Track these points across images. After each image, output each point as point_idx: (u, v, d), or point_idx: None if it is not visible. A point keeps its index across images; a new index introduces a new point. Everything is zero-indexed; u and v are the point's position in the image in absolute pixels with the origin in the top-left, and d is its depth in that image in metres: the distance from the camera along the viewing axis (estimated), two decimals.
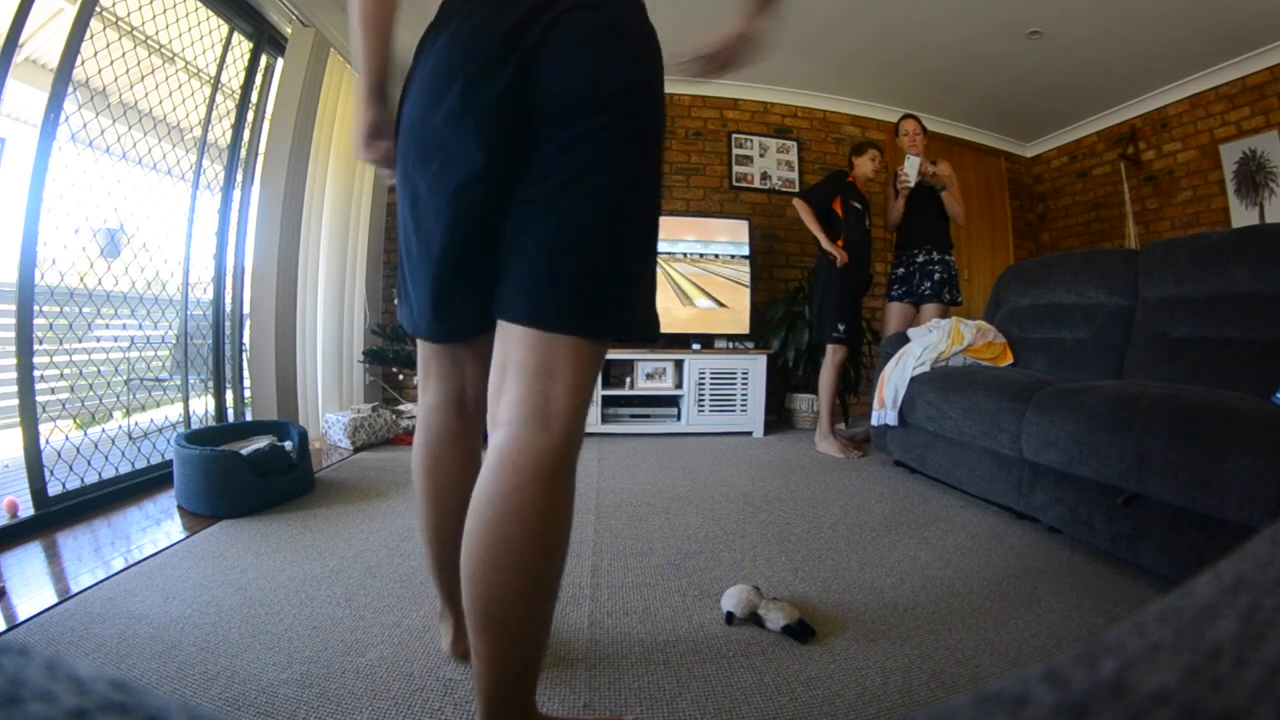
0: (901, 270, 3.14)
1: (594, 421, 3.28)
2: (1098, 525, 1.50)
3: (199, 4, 2.43)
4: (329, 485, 2.19)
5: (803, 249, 4.21)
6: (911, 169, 2.94)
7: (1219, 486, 1.20)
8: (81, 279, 2.01)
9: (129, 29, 2.14)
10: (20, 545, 1.58)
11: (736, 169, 4.11)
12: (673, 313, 3.54)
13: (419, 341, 0.91)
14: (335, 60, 3.00)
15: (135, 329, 2.31)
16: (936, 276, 3.02)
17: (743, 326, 3.57)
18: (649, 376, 3.44)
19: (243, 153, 2.76)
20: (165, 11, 2.27)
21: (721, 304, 3.58)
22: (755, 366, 3.39)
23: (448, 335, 0.85)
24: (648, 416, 3.40)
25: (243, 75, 2.72)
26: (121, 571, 1.41)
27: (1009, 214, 4.77)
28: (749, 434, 3.38)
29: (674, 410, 3.44)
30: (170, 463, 2.04)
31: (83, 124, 1.96)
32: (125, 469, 2.12)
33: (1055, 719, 0.13)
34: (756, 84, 4.08)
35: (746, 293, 3.59)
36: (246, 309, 2.77)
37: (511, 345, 0.73)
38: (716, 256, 3.60)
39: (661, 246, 3.48)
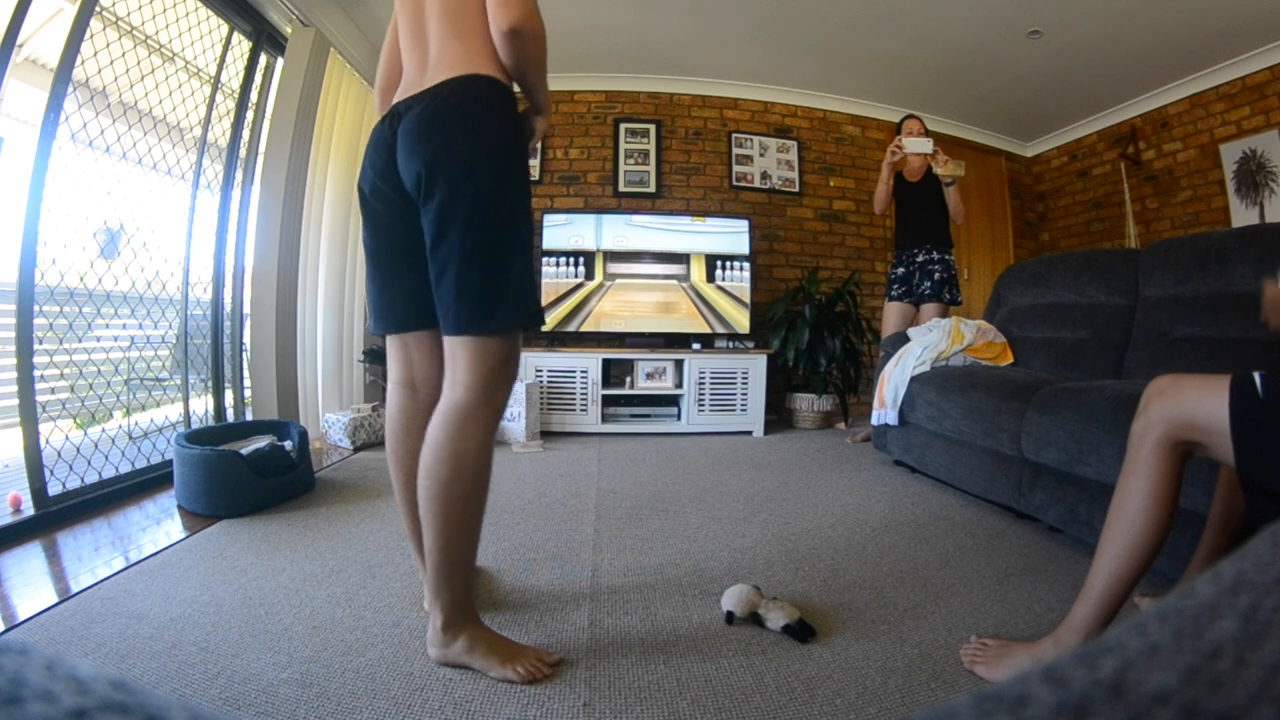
0: (901, 270, 3.14)
1: (594, 421, 3.29)
2: (1098, 525, 1.50)
3: (199, 4, 2.43)
4: (329, 485, 2.19)
5: (803, 249, 4.22)
6: (915, 146, 2.85)
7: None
8: (81, 279, 2.01)
9: (129, 29, 2.14)
10: (20, 545, 1.59)
11: (736, 168, 4.11)
12: (673, 312, 3.54)
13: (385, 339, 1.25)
14: (335, 60, 3.00)
15: (135, 329, 2.31)
16: (936, 276, 3.02)
17: (743, 326, 3.57)
18: (649, 376, 3.45)
19: (242, 152, 2.76)
20: (165, 11, 2.27)
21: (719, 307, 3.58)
22: (755, 366, 3.40)
23: (384, 329, 1.22)
24: (648, 416, 3.40)
25: (242, 75, 2.71)
26: (121, 571, 1.41)
27: (1009, 213, 4.78)
28: (749, 434, 3.38)
29: (674, 410, 3.44)
30: (170, 462, 2.04)
31: (83, 124, 1.96)
32: (125, 469, 2.12)
33: (1055, 719, 0.13)
34: (756, 84, 4.08)
35: (746, 293, 3.59)
36: (246, 309, 2.77)
37: (445, 347, 1.10)
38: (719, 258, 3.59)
39: (661, 245, 3.51)
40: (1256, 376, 0.82)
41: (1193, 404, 0.87)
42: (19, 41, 1.71)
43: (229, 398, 2.73)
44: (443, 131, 1.00)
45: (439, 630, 1.04)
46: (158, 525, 1.79)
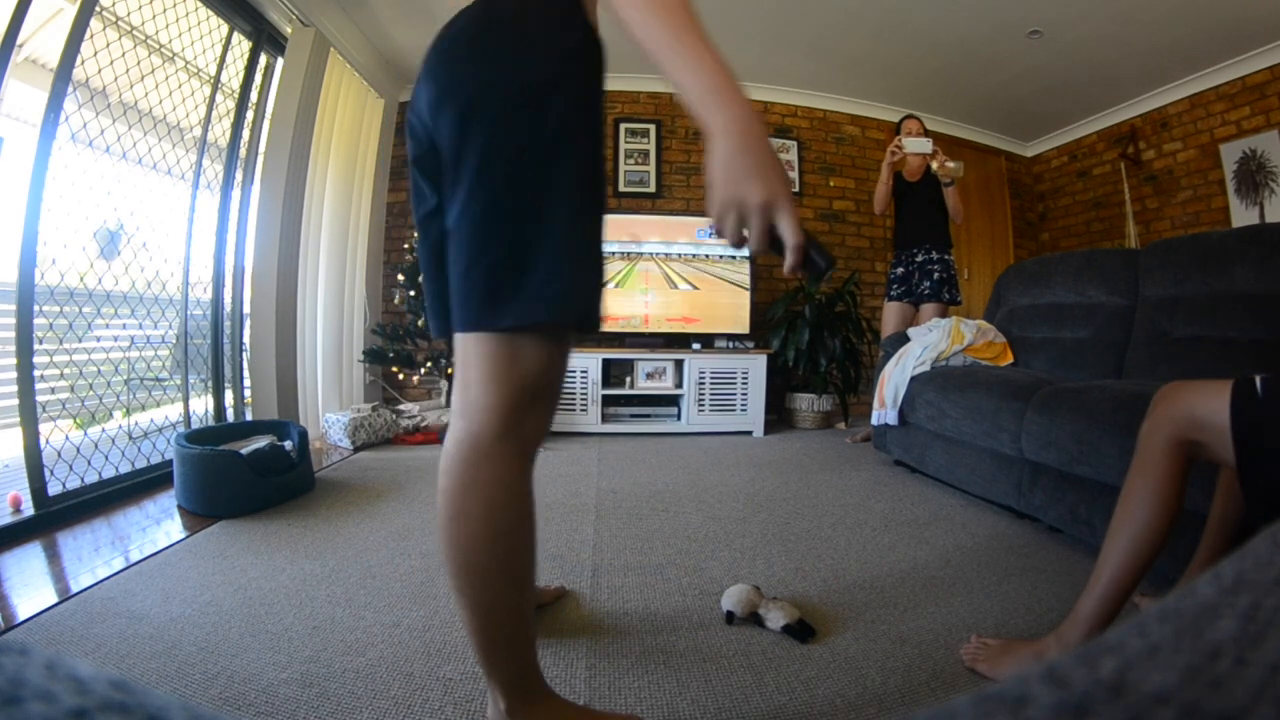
0: (901, 270, 3.14)
1: (594, 421, 3.28)
2: (1098, 525, 1.50)
3: (199, 4, 2.43)
4: (329, 485, 2.19)
5: None
6: (915, 146, 2.86)
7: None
8: (81, 279, 2.01)
9: (129, 29, 2.14)
10: (20, 545, 1.59)
11: None
12: (671, 312, 3.54)
13: None
14: (335, 60, 3.00)
15: (135, 329, 2.31)
16: (936, 276, 3.02)
17: (743, 326, 3.57)
18: (649, 376, 3.45)
19: (242, 152, 2.76)
20: (165, 11, 2.27)
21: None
22: (755, 366, 3.40)
23: (436, 332, 0.90)
24: (648, 416, 3.40)
25: (242, 75, 2.71)
26: (121, 571, 1.41)
27: (1009, 213, 4.77)
28: (749, 433, 3.38)
29: (674, 410, 3.44)
30: (170, 462, 2.04)
31: (83, 124, 1.96)
32: (125, 469, 2.12)
33: (1055, 719, 0.13)
34: (756, 84, 4.07)
35: (746, 293, 3.59)
36: (246, 309, 2.77)
37: (457, 351, 0.81)
38: (720, 257, 3.59)
39: (659, 248, 3.50)
40: (1258, 379, 0.84)
41: (1197, 403, 0.90)
42: (19, 41, 1.71)
43: (229, 398, 2.73)
44: (468, 49, 0.71)
45: (504, 714, 0.80)
46: (158, 525, 1.79)
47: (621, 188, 4.01)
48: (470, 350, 0.76)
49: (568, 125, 0.71)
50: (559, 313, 0.71)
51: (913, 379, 2.37)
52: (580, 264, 0.73)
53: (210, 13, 2.49)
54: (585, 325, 0.76)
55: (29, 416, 1.77)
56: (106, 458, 2.06)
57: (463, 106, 0.70)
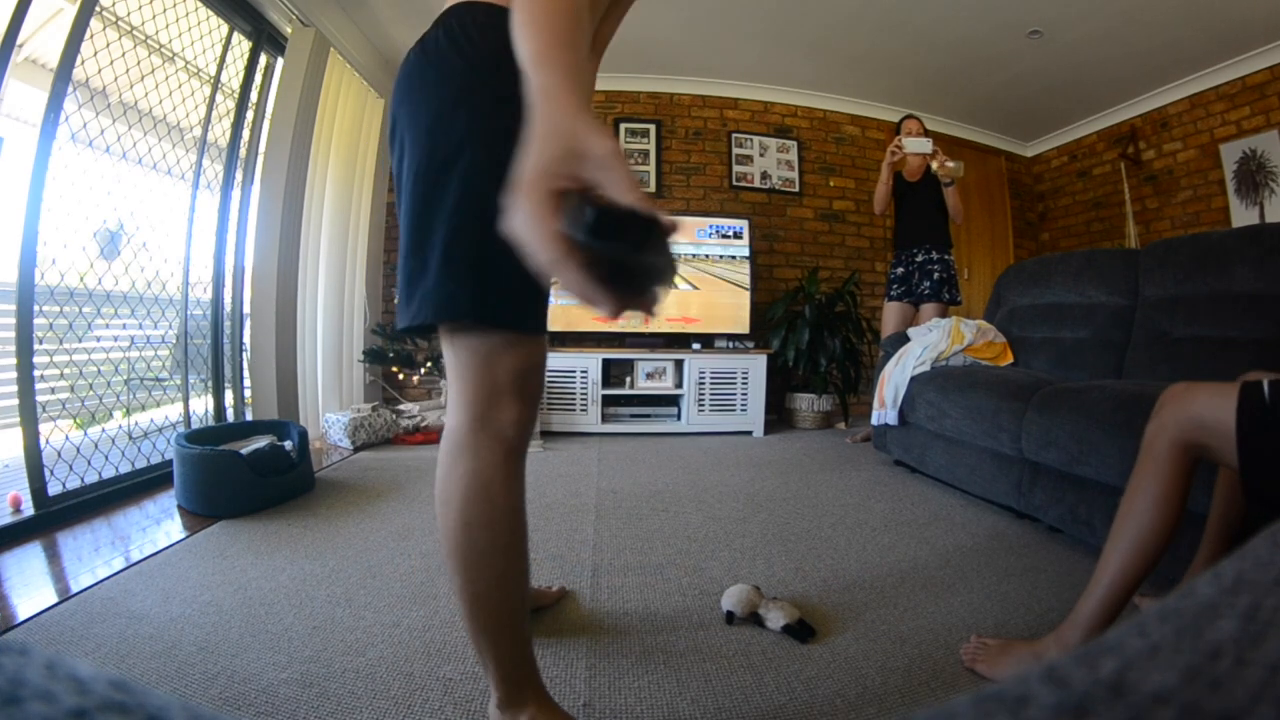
0: (901, 270, 3.14)
1: (594, 421, 3.28)
2: (1098, 525, 1.50)
3: (199, 4, 2.43)
4: (329, 485, 2.19)
5: (803, 249, 4.22)
6: (915, 146, 2.86)
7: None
8: (81, 279, 2.01)
9: (129, 29, 2.14)
10: (20, 545, 1.59)
11: (736, 168, 4.11)
12: (671, 312, 3.54)
13: None
14: (335, 60, 3.00)
15: (135, 329, 2.31)
16: (936, 276, 3.02)
17: (743, 326, 3.57)
18: (649, 376, 3.45)
19: (242, 152, 2.76)
20: (165, 11, 2.27)
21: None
22: (755, 366, 3.40)
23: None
24: (648, 416, 3.40)
25: (242, 75, 2.72)
26: (121, 571, 1.41)
27: (1009, 213, 4.78)
28: (749, 433, 3.38)
29: (674, 410, 3.44)
30: (170, 462, 2.04)
31: (83, 124, 1.96)
32: (125, 469, 2.12)
33: (1055, 719, 0.13)
34: (757, 84, 4.08)
35: (746, 293, 3.59)
36: (246, 309, 2.78)
37: None
38: (720, 257, 3.59)
39: None
40: (1265, 383, 0.83)
41: (1204, 404, 0.90)
42: (19, 41, 1.71)
43: (229, 398, 2.73)
44: (407, 100, 0.78)
45: (496, 707, 0.84)
46: (158, 525, 1.79)
47: None
48: (446, 351, 0.81)
49: (475, 125, 0.73)
50: (442, 314, 0.74)
51: (913, 379, 2.37)
52: (470, 270, 0.73)
53: (210, 13, 2.50)
54: (511, 323, 0.76)
55: (29, 416, 1.77)
56: (106, 458, 2.06)
57: (399, 143, 0.78)
